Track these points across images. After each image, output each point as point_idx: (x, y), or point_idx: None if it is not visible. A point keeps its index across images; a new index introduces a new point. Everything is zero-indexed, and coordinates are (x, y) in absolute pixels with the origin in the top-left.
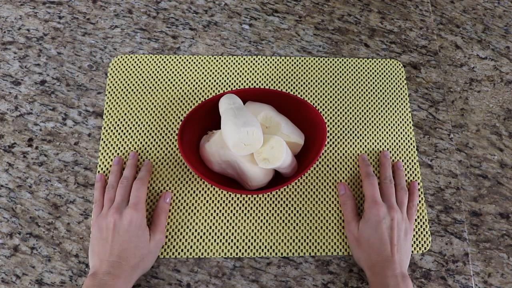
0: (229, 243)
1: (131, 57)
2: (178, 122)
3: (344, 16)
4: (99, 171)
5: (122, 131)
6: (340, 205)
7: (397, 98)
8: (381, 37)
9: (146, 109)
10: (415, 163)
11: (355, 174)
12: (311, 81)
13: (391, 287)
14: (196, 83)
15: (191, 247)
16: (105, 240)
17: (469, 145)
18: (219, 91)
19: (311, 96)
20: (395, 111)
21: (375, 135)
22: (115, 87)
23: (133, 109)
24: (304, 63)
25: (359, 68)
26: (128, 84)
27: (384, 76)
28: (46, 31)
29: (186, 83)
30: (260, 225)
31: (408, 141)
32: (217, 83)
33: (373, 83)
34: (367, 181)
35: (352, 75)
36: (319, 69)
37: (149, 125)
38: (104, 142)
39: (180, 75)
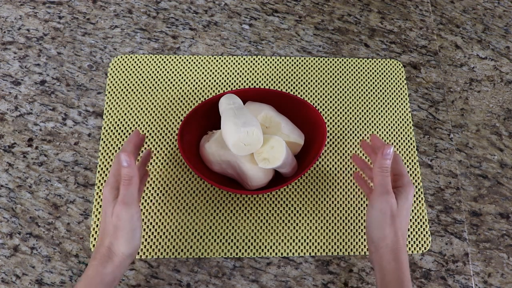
0: (229, 243)
1: (131, 57)
2: (178, 122)
3: (344, 16)
4: (99, 171)
5: (122, 131)
6: (374, 170)
7: (397, 98)
8: (381, 37)
9: (146, 109)
10: (415, 163)
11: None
12: (311, 81)
13: (410, 282)
14: (196, 83)
15: (191, 247)
16: None
17: (469, 145)
18: (219, 91)
19: (311, 96)
20: (395, 111)
21: (375, 135)
22: (115, 87)
23: (133, 109)
24: (304, 63)
25: (359, 68)
26: (128, 84)
27: (384, 76)
28: (46, 31)
29: (186, 83)
30: (260, 225)
31: (408, 141)
32: (217, 83)
33: (373, 83)
34: (396, 157)
35: (352, 75)
36: (319, 69)
37: (149, 125)
38: (104, 142)
39: (180, 75)
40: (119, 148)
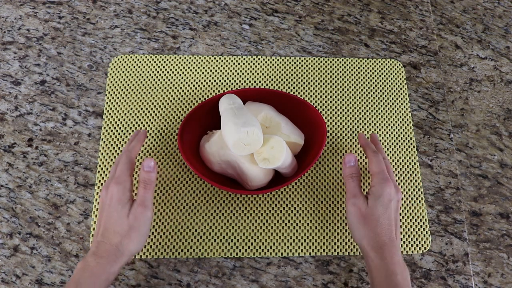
0: (229, 243)
1: (131, 57)
2: (178, 122)
3: (344, 16)
4: (99, 171)
5: (122, 131)
6: (343, 178)
7: (397, 98)
8: (381, 37)
9: (146, 109)
10: (415, 163)
11: None
12: (311, 81)
13: (399, 275)
14: (196, 83)
15: (191, 247)
16: (97, 220)
17: (469, 145)
18: (219, 91)
19: (311, 96)
20: (395, 111)
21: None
22: (115, 87)
23: (133, 109)
24: (304, 63)
25: (359, 68)
26: (128, 84)
27: (384, 76)
28: (46, 31)
29: (186, 83)
30: (260, 225)
31: (408, 141)
32: (217, 83)
33: (373, 83)
34: (375, 157)
35: (352, 75)
36: (319, 69)
37: (149, 125)
38: (104, 142)
39: (180, 75)
40: (119, 148)
